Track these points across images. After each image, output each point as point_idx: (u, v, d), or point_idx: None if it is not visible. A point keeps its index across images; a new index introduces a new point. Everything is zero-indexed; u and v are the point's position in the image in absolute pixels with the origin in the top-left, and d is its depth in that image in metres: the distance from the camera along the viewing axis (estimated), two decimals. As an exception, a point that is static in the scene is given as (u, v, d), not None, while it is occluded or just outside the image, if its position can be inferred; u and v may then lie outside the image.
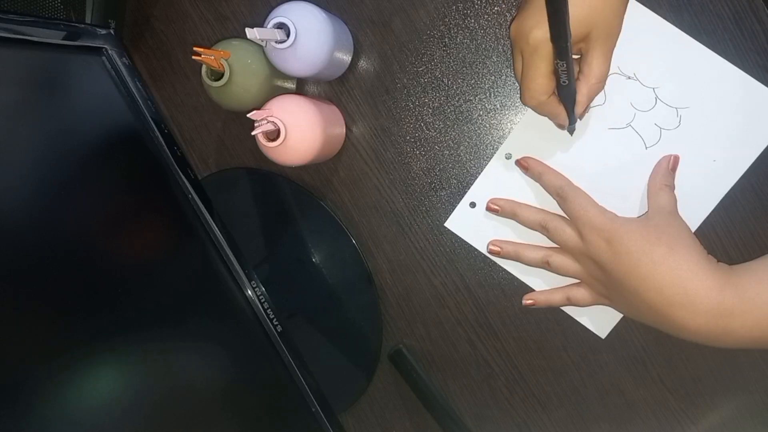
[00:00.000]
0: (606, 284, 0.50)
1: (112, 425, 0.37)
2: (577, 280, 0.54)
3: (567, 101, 0.48)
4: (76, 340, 0.36)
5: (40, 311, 0.35)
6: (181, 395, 0.43)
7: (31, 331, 0.34)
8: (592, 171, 0.54)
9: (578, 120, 0.51)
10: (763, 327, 0.44)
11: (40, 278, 0.36)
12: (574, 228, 0.51)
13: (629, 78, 0.52)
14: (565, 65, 0.43)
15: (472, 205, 0.57)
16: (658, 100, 0.52)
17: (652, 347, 0.56)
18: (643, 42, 0.51)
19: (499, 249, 0.56)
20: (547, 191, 0.54)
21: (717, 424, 0.56)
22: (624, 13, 0.46)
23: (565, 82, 0.45)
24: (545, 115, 0.50)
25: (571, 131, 0.52)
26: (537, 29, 0.43)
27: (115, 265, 0.42)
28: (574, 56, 0.46)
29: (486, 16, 0.54)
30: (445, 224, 0.58)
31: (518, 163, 0.55)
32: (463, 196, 0.57)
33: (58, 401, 0.34)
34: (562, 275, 0.53)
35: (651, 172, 0.52)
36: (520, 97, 0.49)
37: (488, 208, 0.56)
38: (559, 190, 0.52)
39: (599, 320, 0.56)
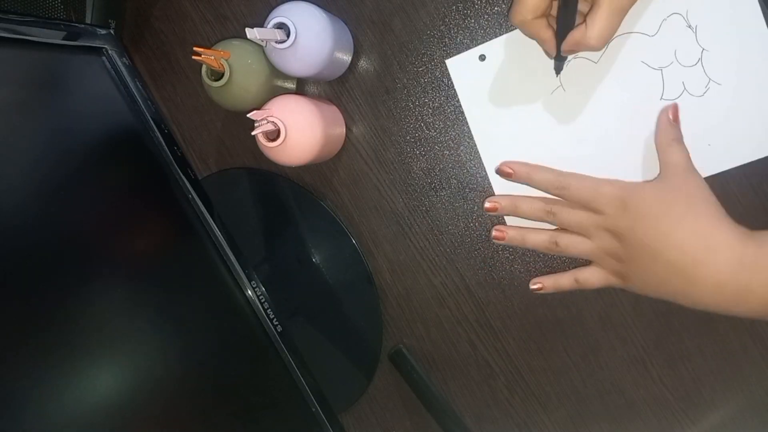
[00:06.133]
0: (621, 257, 0.48)
1: (113, 424, 0.37)
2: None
3: (559, 32, 0.46)
4: (74, 341, 0.36)
5: (35, 313, 0.35)
6: (181, 395, 0.43)
7: (27, 333, 0.34)
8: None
9: (566, 61, 0.49)
10: None
11: (37, 279, 0.35)
12: (582, 207, 0.50)
13: (688, 27, 0.49)
14: None
15: (482, 58, 0.54)
16: (700, 61, 0.50)
17: (652, 347, 0.56)
18: (722, 3, 0.49)
19: (503, 234, 0.54)
20: (541, 190, 0.52)
21: (717, 423, 0.56)
22: None
23: (563, 13, 0.43)
24: (530, 37, 0.48)
25: (557, 69, 0.50)
26: None
27: (114, 264, 0.42)
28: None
29: (486, 16, 0.54)
30: (447, 61, 0.55)
31: (500, 171, 0.54)
32: (463, 192, 0.57)
33: (58, 404, 0.34)
34: (572, 255, 0.52)
35: (656, 130, 0.50)
36: (508, 12, 0.47)
37: (487, 209, 0.54)
38: (555, 182, 0.51)
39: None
